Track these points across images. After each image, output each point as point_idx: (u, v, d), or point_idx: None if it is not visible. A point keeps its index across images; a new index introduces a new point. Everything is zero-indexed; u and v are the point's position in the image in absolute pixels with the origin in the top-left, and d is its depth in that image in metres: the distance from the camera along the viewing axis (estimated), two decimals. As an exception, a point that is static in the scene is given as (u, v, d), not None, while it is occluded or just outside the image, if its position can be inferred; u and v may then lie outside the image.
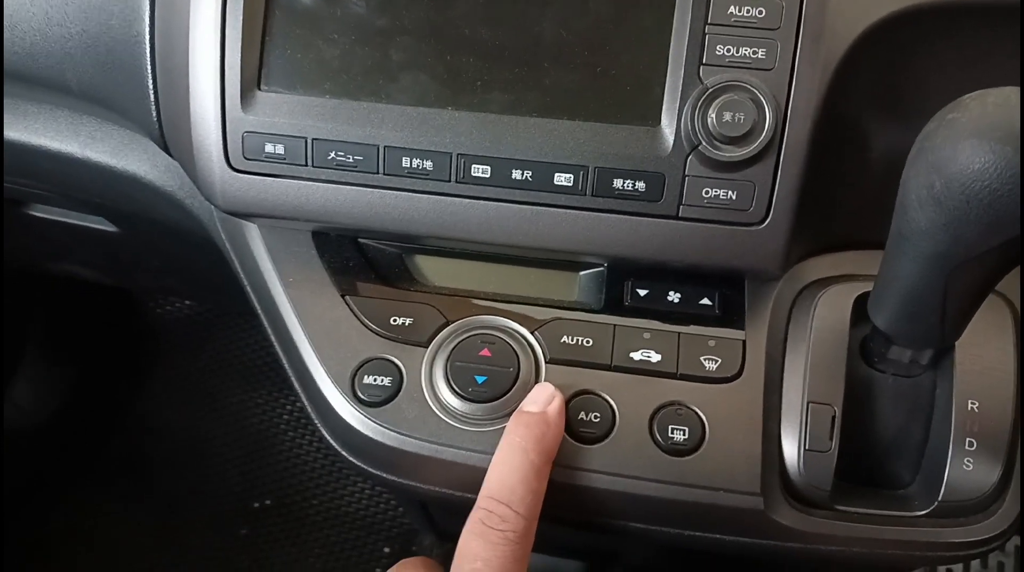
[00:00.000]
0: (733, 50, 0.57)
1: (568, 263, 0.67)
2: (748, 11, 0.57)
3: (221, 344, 1.71)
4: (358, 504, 1.56)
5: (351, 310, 0.65)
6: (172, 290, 1.66)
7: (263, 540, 1.55)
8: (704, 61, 0.58)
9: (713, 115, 0.57)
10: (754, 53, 0.57)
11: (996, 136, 0.42)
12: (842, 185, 0.63)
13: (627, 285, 0.66)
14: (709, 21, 0.57)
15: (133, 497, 1.61)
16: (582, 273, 0.68)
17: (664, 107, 0.59)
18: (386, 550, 1.52)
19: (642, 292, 0.65)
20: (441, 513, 0.85)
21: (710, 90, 0.57)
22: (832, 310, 0.63)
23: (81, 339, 1.71)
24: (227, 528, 1.56)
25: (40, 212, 1.10)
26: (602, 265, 0.67)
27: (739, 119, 0.57)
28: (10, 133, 0.85)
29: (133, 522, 1.57)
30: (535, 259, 0.68)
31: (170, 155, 0.71)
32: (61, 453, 1.63)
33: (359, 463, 0.65)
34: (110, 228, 1.07)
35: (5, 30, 0.73)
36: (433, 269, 0.69)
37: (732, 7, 0.57)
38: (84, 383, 1.69)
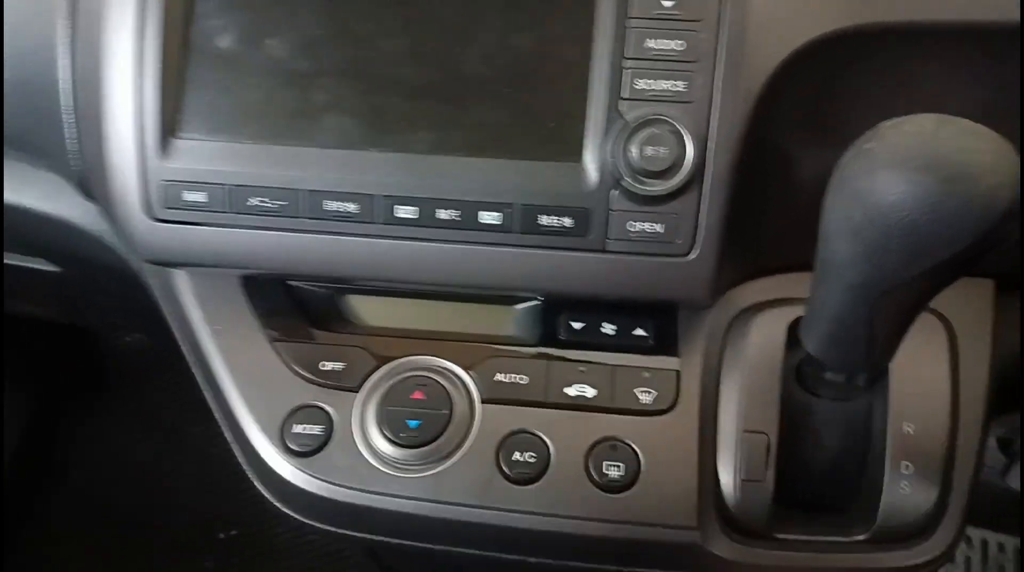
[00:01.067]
0: (653, 83, 0.57)
1: (503, 297, 0.67)
2: (666, 44, 0.57)
3: (179, 375, 1.67)
4: (324, 533, 1.54)
5: (280, 357, 0.64)
6: (123, 327, 1.64)
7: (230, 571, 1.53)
8: (624, 95, 0.57)
9: (634, 150, 0.57)
10: (674, 86, 0.57)
11: (913, 166, 0.42)
12: (770, 211, 0.64)
13: (562, 318, 0.65)
14: (627, 55, 0.57)
15: (95, 529, 1.58)
16: (518, 306, 0.67)
17: (586, 143, 0.59)
18: (355, 578, 1.51)
19: (577, 325, 0.65)
20: (389, 556, 0.84)
21: (631, 125, 0.57)
22: (766, 336, 0.63)
23: (40, 371, 1.69)
24: (193, 560, 1.54)
25: (-20, 254, 1.08)
26: (537, 299, 0.66)
27: (660, 153, 0.57)
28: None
29: (96, 555, 1.55)
30: (470, 294, 0.67)
31: (93, 202, 0.70)
32: (19, 483, 1.60)
33: (294, 514, 0.64)
34: (52, 268, 1.05)
35: None
36: (365, 309, 0.68)
37: (650, 40, 0.57)
38: (43, 416, 1.66)
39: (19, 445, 1.61)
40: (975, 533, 1.50)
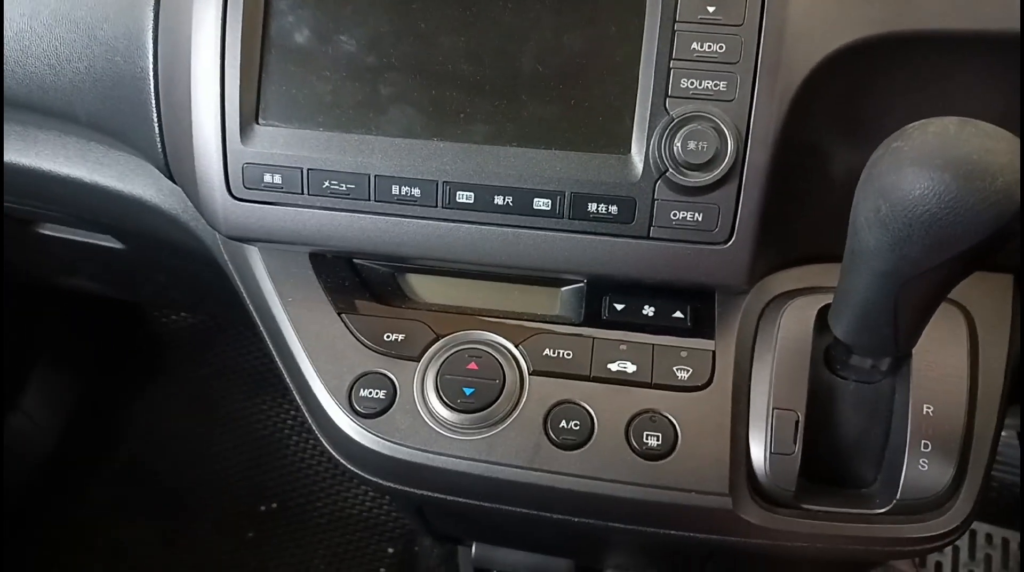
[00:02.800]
0: (696, 83, 0.61)
1: (550, 280, 0.72)
2: (710, 47, 0.61)
3: (225, 352, 1.75)
4: (361, 506, 1.59)
5: (347, 327, 0.69)
6: (176, 303, 1.69)
7: (269, 543, 1.59)
8: (670, 93, 0.62)
9: (679, 144, 0.61)
10: (716, 85, 0.61)
11: (935, 164, 0.46)
12: (804, 204, 0.67)
13: (605, 300, 0.70)
14: (674, 56, 0.61)
15: (141, 502, 1.65)
16: (563, 289, 0.72)
17: (634, 136, 0.63)
18: (389, 551, 1.56)
19: (619, 306, 0.69)
20: (436, 515, 0.89)
21: (676, 120, 0.61)
22: (796, 321, 0.67)
23: (89, 349, 1.75)
24: (234, 531, 1.60)
25: (49, 230, 1.14)
26: (582, 281, 0.71)
27: (702, 147, 0.61)
28: (22, 159, 0.89)
29: (142, 526, 1.62)
30: (520, 276, 0.72)
31: (174, 182, 0.75)
32: (70, 459, 1.66)
33: (357, 470, 0.69)
34: (117, 245, 1.11)
35: (17, 65, 0.77)
36: (424, 287, 0.73)
37: (695, 43, 0.61)
38: (92, 392, 1.72)
39: (70, 420, 1.68)
40: (996, 532, 1.51)
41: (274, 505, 1.62)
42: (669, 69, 0.62)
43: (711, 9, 0.61)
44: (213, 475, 1.66)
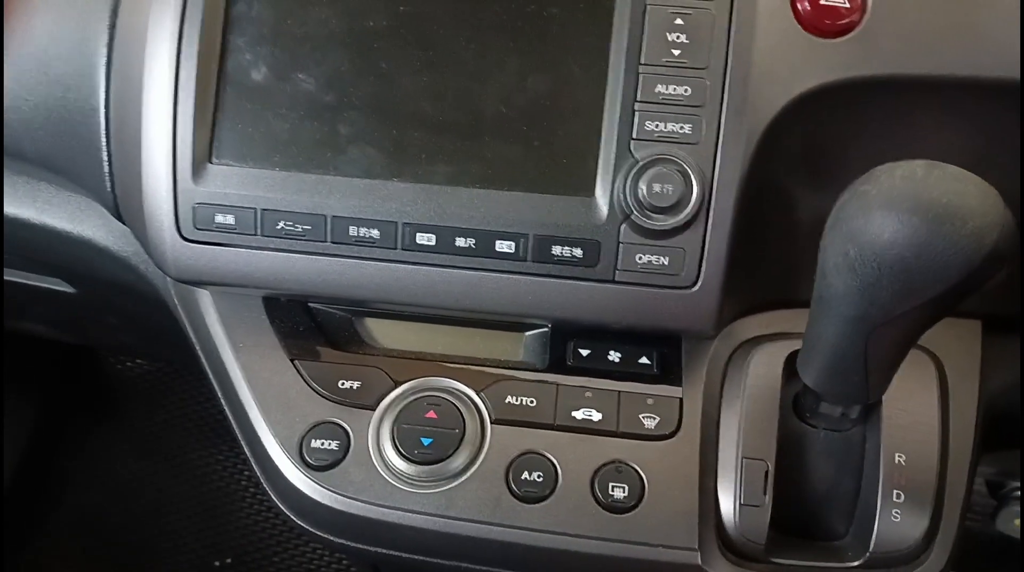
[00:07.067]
0: (661, 125, 0.61)
1: (513, 324, 0.70)
2: (675, 90, 0.60)
3: (181, 400, 1.70)
4: (320, 561, 1.54)
5: (300, 374, 0.66)
6: (130, 349, 1.65)
7: (224, 599, 1.53)
8: (634, 136, 0.61)
9: (643, 186, 0.60)
10: (681, 128, 0.60)
11: (904, 207, 0.45)
12: (771, 247, 0.67)
13: (570, 345, 0.68)
14: (639, 99, 0.61)
15: (91, 554, 1.58)
16: (527, 334, 0.70)
17: (598, 179, 0.62)
18: (348, 608, 1.51)
19: (584, 352, 0.68)
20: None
21: (640, 163, 0.60)
22: (765, 368, 0.66)
23: (40, 394, 1.69)
24: (188, 588, 1.54)
25: (-5, 273, 1.10)
26: (546, 326, 0.69)
27: (667, 190, 0.60)
28: (-35, 200, 0.86)
29: (91, 581, 1.55)
30: (482, 321, 0.70)
31: (124, 223, 0.73)
32: (15, 507, 1.60)
33: (308, 527, 0.66)
34: (68, 289, 1.07)
35: None
36: (382, 332, 0.71)
37: (660, 86, 0.61)
38: (42, 438, 1.66)
39: (18, 467, 1.61)
40: None
41: (229, 560, 1.56)
42: (634, 111, 0.61)
43: (676, 52, 0.61)
44: (166, 527, 1.60)
